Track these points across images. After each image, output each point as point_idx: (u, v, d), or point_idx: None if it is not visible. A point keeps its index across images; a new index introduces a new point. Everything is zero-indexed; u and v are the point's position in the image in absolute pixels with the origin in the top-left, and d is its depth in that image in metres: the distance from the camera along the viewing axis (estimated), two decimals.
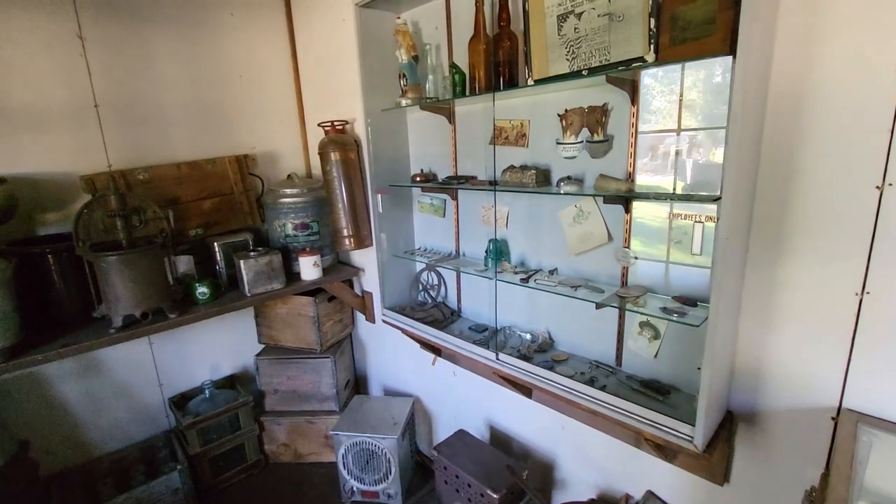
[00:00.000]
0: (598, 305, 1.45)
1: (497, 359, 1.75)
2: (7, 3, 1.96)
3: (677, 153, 1.34)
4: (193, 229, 2.45)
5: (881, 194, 1.07)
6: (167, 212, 2.12)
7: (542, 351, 1.80)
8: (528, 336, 1.88)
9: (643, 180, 1.47)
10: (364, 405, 2.58)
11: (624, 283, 1.57)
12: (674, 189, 1.36)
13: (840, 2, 1.06)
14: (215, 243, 2.44)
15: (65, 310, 2.03)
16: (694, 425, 1.24)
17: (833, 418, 1.22)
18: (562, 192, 1.55)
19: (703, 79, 1.32)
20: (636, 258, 1.52)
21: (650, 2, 1.30)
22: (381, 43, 2.06)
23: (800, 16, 1.11)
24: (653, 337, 1.52)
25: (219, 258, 2.46)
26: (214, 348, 2.80)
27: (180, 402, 2.62)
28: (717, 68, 1.28)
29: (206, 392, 2.60)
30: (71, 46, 2.12)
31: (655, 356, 1.52)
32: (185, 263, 2.37)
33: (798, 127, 1.16)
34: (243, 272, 2.30)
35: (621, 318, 1.60)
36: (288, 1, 2.77)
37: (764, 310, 1.29)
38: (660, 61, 1.25)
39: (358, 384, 3.14)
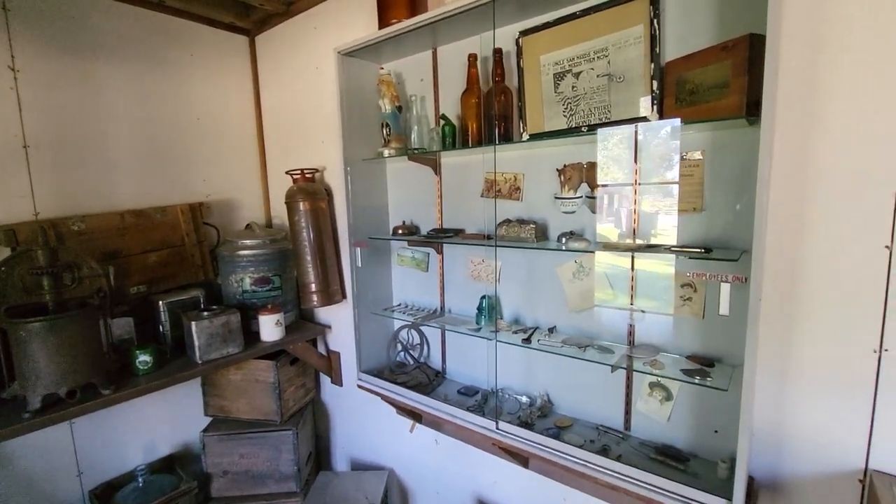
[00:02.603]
0: (613, 368, 1.37)
1: (497, 428, 1.60)
2: None
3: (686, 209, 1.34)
4: (135, 286, 2.13)
5: (891, 253, 1.10)
6: (107, 268, 1.83)
7: (542, 416, 1.68)
8: (526, 399, 1.75)
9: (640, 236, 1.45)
10: (332, 484, 2.28)
11: (631, 342, 1.51)
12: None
13: (841, 64, 1.12)
14: (160, 302, 2.14)
15: None
16: (729, 499, 1.15)
17: (861, 481, 1.19)
18: (565, 248, 1.50)
19: (710, 138, 1.35)
20: (643, 312, 1.47)
21: (652, 66, 1.34)
22: (359, 92, 1.98)
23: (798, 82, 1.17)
24: (664, 398, 1.45)
25: (164, 319, 2.15)
26: (150, 425, 2.40)
27: (105, 494, 2.17)
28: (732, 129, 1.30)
29: (140, 479, 2.18)
30: (1, 79, 1.85)
31: (668, 419, 1.45)
32: (122, 327, 2.04)
33: (803, 182, 1.19)
34: (195, 336, 2.01)
35: (629, 378, 1.52)
36: (253, 45, 2.66)
37: (780, 367, 1.27)
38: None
39: (319, 457, 2.80)
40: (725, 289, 1.13)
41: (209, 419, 2.44)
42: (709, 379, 1.24)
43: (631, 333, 1.51)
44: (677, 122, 1.26)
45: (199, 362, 2.02)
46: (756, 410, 1.32)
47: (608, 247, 1.41)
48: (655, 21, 1.31)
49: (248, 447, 2.35)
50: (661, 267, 1.43)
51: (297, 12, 2.35)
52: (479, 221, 1.85)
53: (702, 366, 1.31)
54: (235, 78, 2.62)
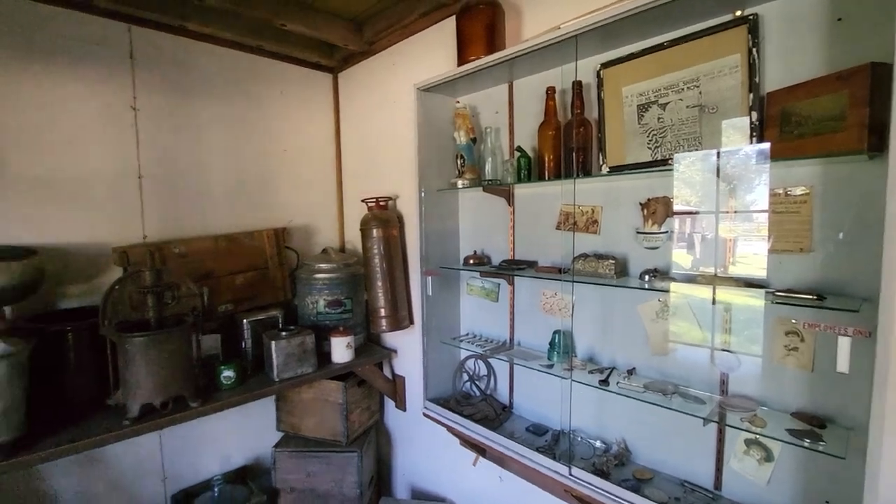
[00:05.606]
0: (706, 422, 1.26)
1: (570, 474, 1.51)
2: (64, 74, 1.96)
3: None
4: (223, 305, 2.29)
5: None
6: (202, 288, 1.98)
7: (619, 464, 1.57)
8: (600, 444, 1.65)
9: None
10: None
11: (724, 391, 1.38)
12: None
13: None
14: (245, 320, 2.28)
15: (77, 395, 1.82)
16: None
17: None
18: (648, 287, 1.42)
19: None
20: (736, 355, 1.35)
21: (751, 96, 1.25)
22: (434, 124, 2.03)
23: None
24: (763, 458, 1.31)
25: (247, 336, 2.28)
26: (227, 436, 2.53)
27: (184, 501, 2.31)
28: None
29: (216, 490, 2.29)
30: (124, 117, 2.11)
31: (768, 482, 1.30)
32: (211, 343, 2.19)
33: None
34: (274, 354, 2.11)
35: (721, 431, 1.39)
36: (336, 81, 2.83)
37: None
38: (772, 157, 1.17)
39: (380, 482, 2.81)
40: (844, 343, 1.01)
41: (280, 434, 2.54)
42: (821, 443, 1.10)
43: (724, 382, 1.38)
44: (765, 146, 1.16)
45: (277, 380, 2.12)
46: (881, 482, 1.14)
47: (702, 280, 1.31)
48: (755, 49, 1.23)
49: (316, 465, 2.40)
50: (758, 305, 1.30)
51: (379, 50, 2.48)
52: (552, 253, 1.80)
53: (811, 426, 1.17)
54: (319, 112, 2.80)
